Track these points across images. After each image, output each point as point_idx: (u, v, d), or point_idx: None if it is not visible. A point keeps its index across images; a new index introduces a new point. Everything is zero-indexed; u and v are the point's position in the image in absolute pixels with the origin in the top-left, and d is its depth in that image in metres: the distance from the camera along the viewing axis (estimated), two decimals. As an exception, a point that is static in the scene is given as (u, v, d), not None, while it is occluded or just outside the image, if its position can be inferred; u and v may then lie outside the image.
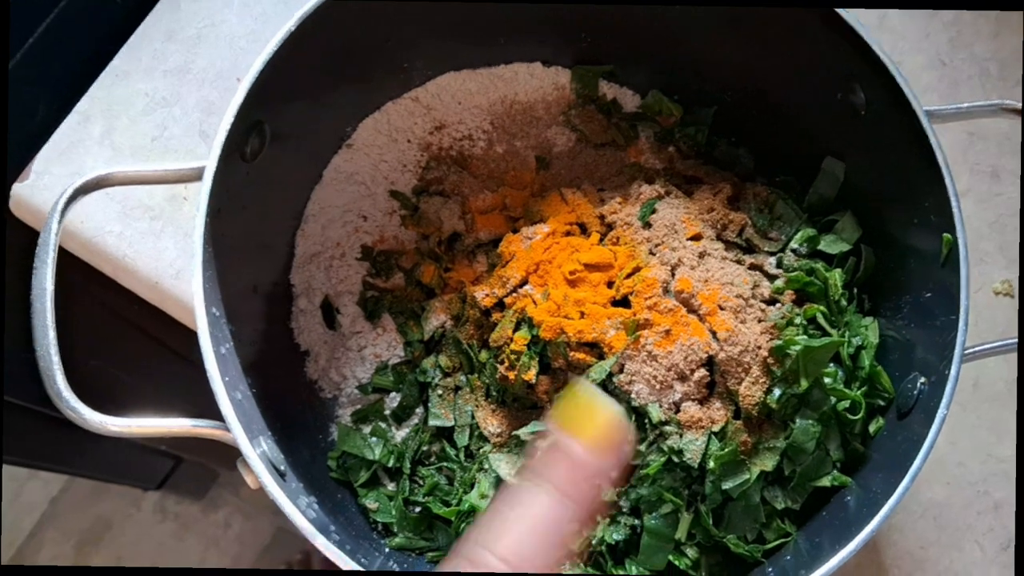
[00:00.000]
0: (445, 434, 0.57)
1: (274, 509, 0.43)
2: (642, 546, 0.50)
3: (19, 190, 0.61)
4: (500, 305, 0.55)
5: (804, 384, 0.49)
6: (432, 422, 0.57)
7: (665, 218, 0.54)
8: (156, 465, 1.21)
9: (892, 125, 0.50)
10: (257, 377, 0.50)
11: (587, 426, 0.31)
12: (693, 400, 0.50)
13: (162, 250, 0.61)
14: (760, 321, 0.51)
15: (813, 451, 0.50)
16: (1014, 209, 0.68)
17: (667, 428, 0.49)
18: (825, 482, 0.50)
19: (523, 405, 0.55)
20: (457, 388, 0.57)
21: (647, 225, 0.55)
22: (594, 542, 0.50)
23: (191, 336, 0.46)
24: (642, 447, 0.50)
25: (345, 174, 0.60)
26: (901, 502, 0.43)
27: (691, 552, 0.50)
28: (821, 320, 0.52)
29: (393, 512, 0.55)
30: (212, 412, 0.43)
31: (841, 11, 0.49)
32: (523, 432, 0.52)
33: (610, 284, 0.53)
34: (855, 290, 0.55)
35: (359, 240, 0.61)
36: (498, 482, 0.53)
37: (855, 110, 0.53)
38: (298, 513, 0.42)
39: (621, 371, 0.50)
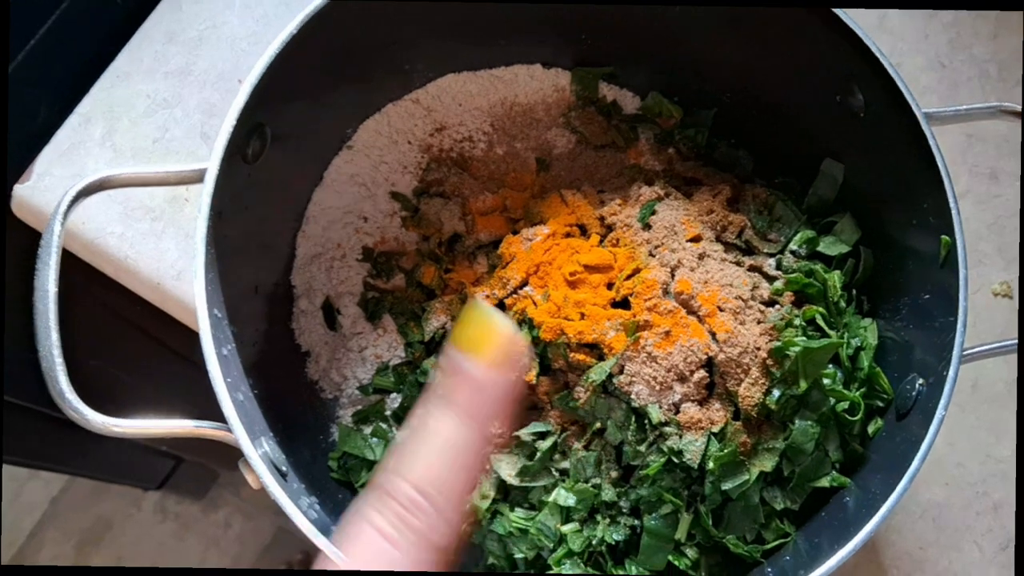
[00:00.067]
0: (445, 435, 0.57)
1: (275, 509, 0.43)
2: (642, 546, 0.50)
3: (20, 191, 0.61)
4: (500, 306, 0.55)
5: (803, 385, 0.49)
6: (432, 423, 0.57)
7: (665, 220, 0.55)
8: (157, 465, 1.21)
9: (891, 127, 0.50)
10: (258, 378, 0.50)
11: (483, 345, 0.31)
12: (693, 401, 0.50)
13: (163, 251, 0.61)
14: (759, 322, 0.52)
15: (812, 452, 0.50)
16: (1013, 211, 0.68)
17: (667, 429, 0.49)
18: (824, 483, 0.51)
19: (523, 406, 0.55)
20: (457, 389, 0.57)
21: (647, 227, 0.55)
22: (594, 542, 0.50)
23: (192, 336, 0.46)
24: (642, 448, 0.50)
25: (346, 175, 0.61)
26: (900, 503, 0.43)
27: (691, 552, 0.50)
28: (820, 321, 0.52)
29: (393, 512, 0.55)
30: (212, 412, 0.44)
31: (840, 12, 0.50)
32: (523, 432, 0.52)
33: (610, 285, 0.53)
34: (854, 291, 0.56)
35: (360, 241, 0.61)
36: (499, 482, 0.53)
37: (854, 112, 0.53)
38: (299, 513, 0.42)
39: (621, 372, 0.50)
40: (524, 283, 0.54)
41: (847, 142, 0.56)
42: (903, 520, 0.62)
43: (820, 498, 0.51)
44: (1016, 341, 0.47)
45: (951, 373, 0.45)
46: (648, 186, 0.57)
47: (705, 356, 0.50)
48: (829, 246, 0.56)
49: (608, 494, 0.51)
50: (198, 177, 0.46)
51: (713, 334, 0.50)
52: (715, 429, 0.49)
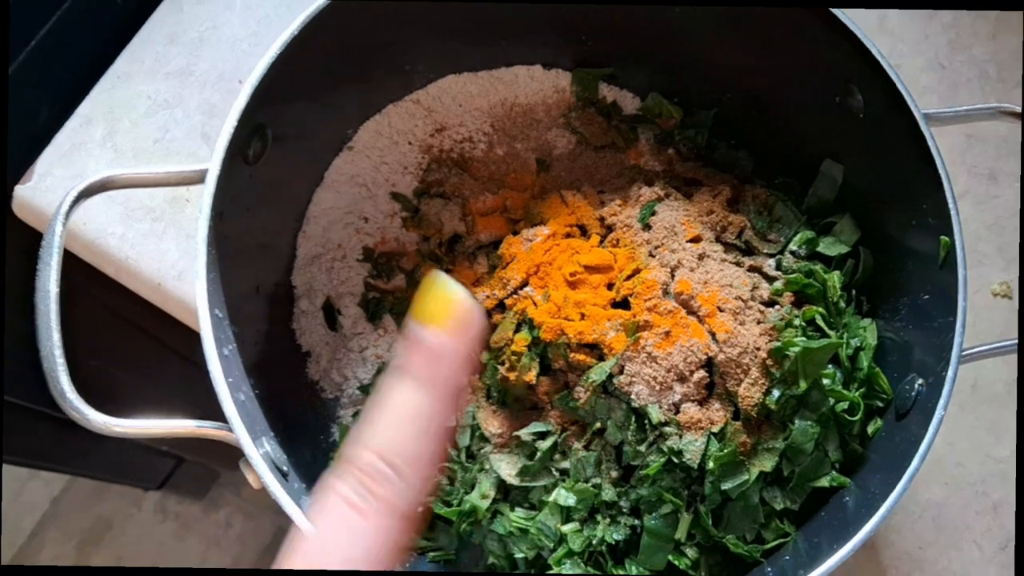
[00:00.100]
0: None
1: (275, 509, 0.43)
2: (642, 546, 0.50)
3: (21, 192, 0.61)
4: (501, 306, 0.55)
5: (803, 385, 0.49)
6: (433, 423, 0.57)
7: (665, 220, 0.55)
8: (157, 465, 1.21)
9: (891, 127, 0.50)
10: (259, 378, 0.50)
11: (439, 315, 0.32)
12: (692, 401, 0.50)
13: (164, 252, 0.61)
14: (759, 323, 0.52)
15: (812, 452, 0.50)
16: (1012, 211, 0.68)
17: (667, 429, 0.49)
18: (824, 483, 0.51)
19: (524, 406, 0.55)
20: (458, 389, 0.57)
21: (647, 227, 0.55)
22: (594, 542, 0.50)
23: (193, 336, 0.46)
24: (642, 448, 0.50)
25: (346, 176, 0.61)
26: (899, 502, 0.43)
27: (691, 552, 0.50)
28: (820, 322, 0.52)
29: (394, 512, 0.56)
30: (213, 412, 0.44)
31: (840, 13, 0.50)
32: (524, 433, 0.52)
33: (610, 286, 0.53)
34: (853, 292, 0.56)
35: (360, 242, 0.61)
36: (499, 482, 0.53)
37: (854, 112, 0.53)
38: (300, 513, 0.42)
39: (621, 372, 0.50)
40: (524, 283, 0.54)
41: (847, 143, 0.56)
42: (902, 520, 0.62)
43: (820, 498, 0.51)
44: (1015, 341, 0.47)
45: (950, 373, 0.45)
46: (648, 187, 0.57)
47: (705, 356, 0.50)
48: (829, 246, 0.56)
49: (608, 494, 0.51)
50: (199, 178, 0.47)
51: (713, 334, 0.50)
52: (715, 429, 0.49)
